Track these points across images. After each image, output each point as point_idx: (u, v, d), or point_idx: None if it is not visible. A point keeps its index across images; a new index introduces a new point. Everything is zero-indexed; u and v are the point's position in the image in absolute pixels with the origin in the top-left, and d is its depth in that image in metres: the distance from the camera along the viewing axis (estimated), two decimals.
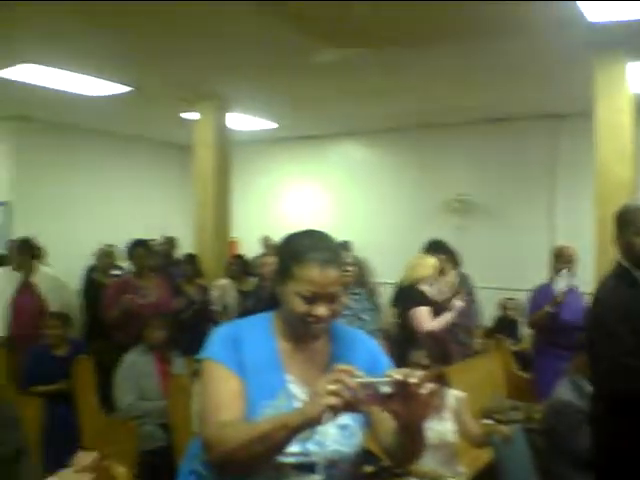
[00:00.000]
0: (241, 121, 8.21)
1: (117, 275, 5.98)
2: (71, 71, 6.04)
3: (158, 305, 4.91)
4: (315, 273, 1.51)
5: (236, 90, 6.95)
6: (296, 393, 1.57)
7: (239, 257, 7.01)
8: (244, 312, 4.82)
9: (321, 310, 1.53)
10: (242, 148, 9.02)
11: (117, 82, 6.48)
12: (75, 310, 5.33)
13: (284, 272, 1.58)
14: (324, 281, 1.52)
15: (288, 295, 1.56)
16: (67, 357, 4.45)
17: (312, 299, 1.53)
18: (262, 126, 8.82)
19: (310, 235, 1.61)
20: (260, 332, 1.65)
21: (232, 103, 7.32)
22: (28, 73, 6.02)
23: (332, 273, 1.53)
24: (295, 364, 1.61)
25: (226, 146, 7.38)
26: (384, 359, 1.71)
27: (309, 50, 5.35)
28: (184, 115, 7.85)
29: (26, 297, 5.02)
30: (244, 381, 1.55)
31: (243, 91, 7.00)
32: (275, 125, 8.81)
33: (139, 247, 5.16)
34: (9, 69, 5.90)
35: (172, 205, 10.08)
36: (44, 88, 6.52)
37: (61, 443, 3.66)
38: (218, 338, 1.63)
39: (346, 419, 1.55)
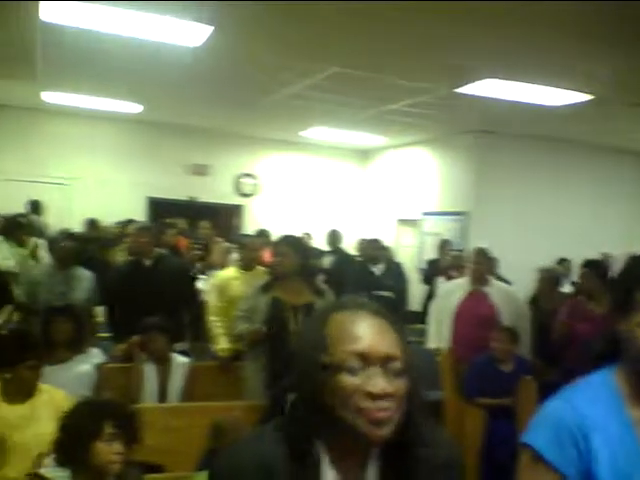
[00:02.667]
0: None
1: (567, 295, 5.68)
2: (530, 83, 6.02)
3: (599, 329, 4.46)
4: None
5: None
6: None
7: None
8: None
9: None
10: None
11: (576, 91, 6.21)
12: (526, 325, 5.22)
13: (626, 303, 1.16)
14: None
15: (633, 332, 1.13)
16: (512, 373, 4.41)
17: None
18: None
19: None
20: (607, 407, 1.19)
21: None
22: (490, 87, 6.23)
23: None
24: None
25: None
26: None
27: None
28: None
29: (477, 307, 5.12)
30: None
31: None
32: None
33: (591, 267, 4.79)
34: (474, 84, 6.20)
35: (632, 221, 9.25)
36: (505, 101, 6.67)
37: (497, 458, 3.64)
38: (548, 422, 1.23)
39: None
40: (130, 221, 8.06)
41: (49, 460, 2.14)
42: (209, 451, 2.77)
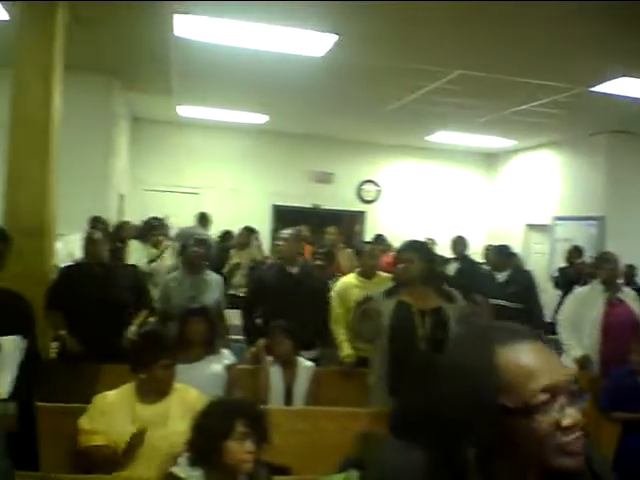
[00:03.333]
0: None
1: None
2: None
3: None
4: None
5: None
6: None
7: None
8: None
9: None
10: None
11: None
12: None
13: None
14: None
15: None
16: None
17: None
18: None
19: None
20: None
21: None
22: (625, 86, 5.85)
23: None
24: None
25: None
26: None
27: None
28: None
29: (620, 314, 4.81)
30: None
31: None
32: None
33: None
34: (608, 83, 5.84)
35: None
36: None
37: (631, 476, 3.42)
38: None
39: None
40: (251, 230, 8.32)
41: (182, 459, 2.21)
42: (352, 460, 2.75)
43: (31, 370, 2.53)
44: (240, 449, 2.14)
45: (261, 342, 4.15)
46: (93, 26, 5.31)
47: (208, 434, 2.15)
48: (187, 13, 4.76)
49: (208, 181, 10.73)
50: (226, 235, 8.77)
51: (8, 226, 3.79)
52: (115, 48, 6.09)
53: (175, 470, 2.17)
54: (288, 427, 3.37)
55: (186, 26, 5.06)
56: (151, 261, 6.21)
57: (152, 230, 6.81)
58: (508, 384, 0.96)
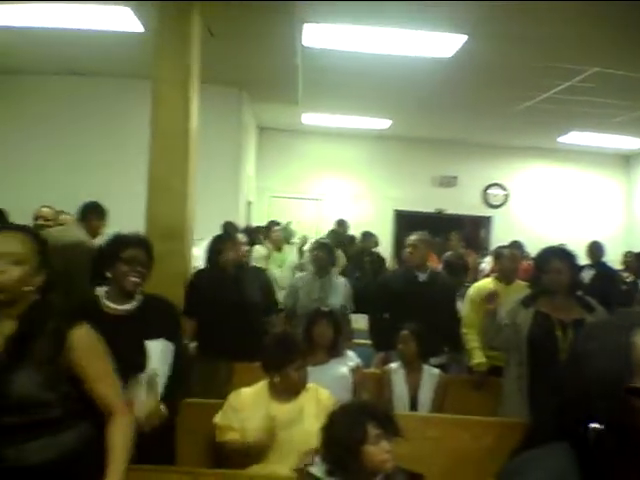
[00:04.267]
0: None
1: None
2: None
3: None
4: None
5: None
6: None
7: None
8: None
9: None
10: None
11: None
12: None
13: None
14: None
15: None
16: None
17: None
18: None
19: None
20: None
21: None
22: None
23: None
24: None
25: None
26: None
27: None
28: None
29: None
30: None
31: None
32: None
33: None
34: None
35: None
36: None
37: None
38: None
39: None
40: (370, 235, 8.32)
41: (316, 458, 2.22)
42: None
43: (178, 372, 2.66)
44: (378, 451, 2.14)
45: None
46: (225, 40, 5.53)
47: (342, 443, 2.15)
48: (316, 22, 4.85)
49: (330, 187, 10.87)
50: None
51: (149, 231, 4.03)
52: (245, 60, 6.32)
53: (312, 470, 2.19)
54: (417, 434, 3.31)
55: (314, 35, 5.16)
56: (279, 265, 6.37)
57: (269, 233, 7.01)
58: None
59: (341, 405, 2.40)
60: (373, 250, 7.81)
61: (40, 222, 4.92)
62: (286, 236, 7.55)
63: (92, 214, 4.65)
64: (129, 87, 7.24)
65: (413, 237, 4.51)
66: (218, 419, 2.86)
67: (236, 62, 6.44)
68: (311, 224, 10.30)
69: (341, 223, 9.01)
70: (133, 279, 2.61)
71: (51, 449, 1.85)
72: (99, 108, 7.48)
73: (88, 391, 1.93)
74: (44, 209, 5.16)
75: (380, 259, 7.55)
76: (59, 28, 5.64)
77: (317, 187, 10.86)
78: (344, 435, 2.16)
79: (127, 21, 5.39)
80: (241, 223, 7.79)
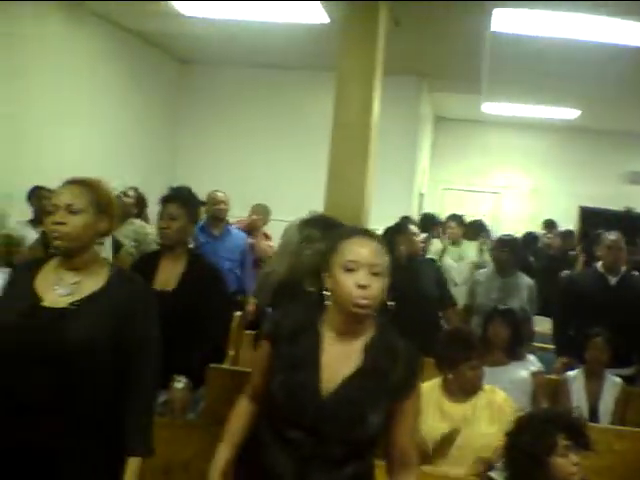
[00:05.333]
0: None
1: None
2: None
3: None
4: None
5: None
6: None
7: None
8: None
9: None
10: None
11: None
12: None
13: None
14: None
15: None
16: None
17: None
18: None
19: None
20: None
21: None
22: None
23: None
24: None
25: None
26: None
27: None
28: None
29: None
30: None
31: None
32: None
33: None
34: None
35: None
36: None
37: None
38: None
39: None
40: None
41: (499, 464, 2.14)
42: None
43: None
44: (566, 463, 2.01)
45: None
46: (408, 28, 5.47)
47: (529, 452, 2.04)
48: (508, 7, 4.63)
49: (509, 180, 10.42)
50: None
51: None
52: (427, 49, 6.22)
53: (493, 475, 2.11)
54: (603, 446, 3.08)
55: (505, 20, 4.94)
56: (456, 260, 6.19)
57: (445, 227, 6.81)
58: None
59: (530, 412, 2.29)
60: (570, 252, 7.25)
61: (221, 207, 5.06)
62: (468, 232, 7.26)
63: None
64: (312, 79, 7.46)
65: (612, 236, 4.14)
66: None
67: (418, 51, 6.36)
68: (487, 218, 9.95)
69: (549, 224, 8.45)
70: None
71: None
72: (283, 100, 7.79)
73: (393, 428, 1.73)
74: (219, 194, 5.26)
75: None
76: (248, 20, 5.91)
77: (495, 180, 10.46)
78: (531, 444, 2.05)
79: (313, 12, 5.52)
80: (413, 215, 7.72)
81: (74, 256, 1.86)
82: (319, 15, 5.54)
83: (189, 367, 2.75)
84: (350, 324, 1.68)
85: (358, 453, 1.66)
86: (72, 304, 1.81)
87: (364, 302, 1.60)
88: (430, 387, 2.86)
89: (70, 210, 1.83)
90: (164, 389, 2.64)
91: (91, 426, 1.80)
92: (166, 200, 2.97)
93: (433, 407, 2.75)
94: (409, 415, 1.71)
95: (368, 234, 1.73)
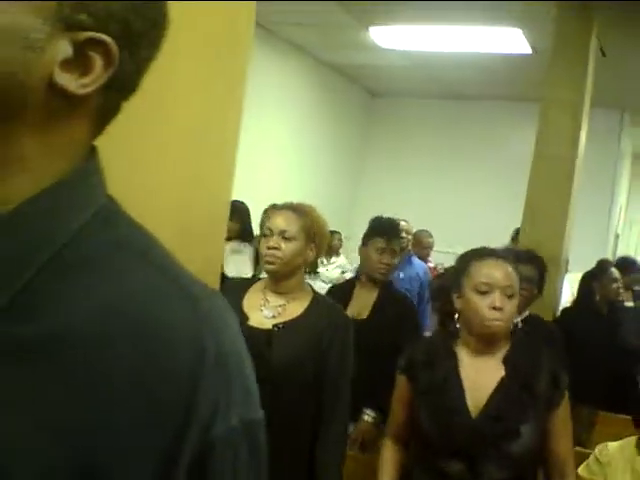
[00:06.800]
0: None
1: None
2: None
3: None
4: None
5: None
6: None
7: None
8: None
9: None
10: None
11: None
12: None
13: None
14: None
15: None
16: None
17: None
18: None
19: None
20: None
21: None
22: None
23: None
24: None
25: None
26: None
27: None
28: None
29: None
30: None
31: None
32: None
33: None
34: None
35: None
36: None
37: None
38: None
39: None
40: None
41: None
42: None
43: None
44: None
45: None
46: (614, 59, 5.12)
47: None
48: None
49: None
50: None
51: None
52: (630, 81, 5.80)
53: None
54: None
55: None
56: None
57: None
58: None
59: None
60: None
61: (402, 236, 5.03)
62: None
63: None
64: (509, 110, 7.24)
65: None
66: (581, 470, 2.65)
67: (624, 82, 5.92)
68: None
69: None
70: None
71: None
72: (478, 131, 7.61)
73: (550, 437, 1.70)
74: (402, 223, 5.23)
75: None
76: (442, 52, 5.87)
77: None
78: None
79: (515, 43, 5.35)
80: (609, 257, 7.15)
81: (282, 280, 1.92)
82: (522, 46, 5.38)
83: (377, 400, 2.67)
84: (484, 343, 1.69)
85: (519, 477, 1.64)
86: (275, 326, 1.85)
87: (497, 324, 1.63)
88: (622, 445, 2.62)
89: (283, 236, 1.89)
90: (352, 421, 2.60)
91: (287, 455, 1.77)
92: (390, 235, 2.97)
93: (624, 465, 2.51)
94: (564, 423, 1.68)
95: (497, 255, 1.73)
